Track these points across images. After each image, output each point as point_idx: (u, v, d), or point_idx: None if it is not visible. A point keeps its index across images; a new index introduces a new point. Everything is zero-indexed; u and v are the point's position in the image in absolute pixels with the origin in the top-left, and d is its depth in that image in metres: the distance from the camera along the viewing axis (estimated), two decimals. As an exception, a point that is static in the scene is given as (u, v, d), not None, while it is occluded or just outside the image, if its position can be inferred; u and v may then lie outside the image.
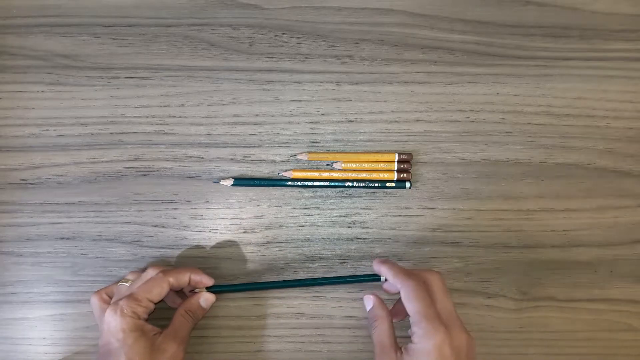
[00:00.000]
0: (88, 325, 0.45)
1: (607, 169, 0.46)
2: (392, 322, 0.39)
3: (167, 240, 0.45)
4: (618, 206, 0.46)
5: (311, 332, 0.45)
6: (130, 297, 0.38)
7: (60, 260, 0.45)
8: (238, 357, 0.45)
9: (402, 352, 0.37)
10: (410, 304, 0.37)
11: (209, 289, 0.42)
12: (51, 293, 0.45)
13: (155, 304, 0.39)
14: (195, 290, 0.42)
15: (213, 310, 0.45)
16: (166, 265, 0.44)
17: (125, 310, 0.37)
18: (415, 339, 0.36)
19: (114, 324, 0.37)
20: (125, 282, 0.41)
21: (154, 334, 0.39)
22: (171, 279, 0.40)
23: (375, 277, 0.42)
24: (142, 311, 0.38)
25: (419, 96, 0.46)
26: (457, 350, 0.35)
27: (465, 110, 0.46)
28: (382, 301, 0.40)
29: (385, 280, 0.41)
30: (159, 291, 0.39)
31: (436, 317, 0.36)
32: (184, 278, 0.41)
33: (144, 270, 0.41)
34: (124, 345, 0.36)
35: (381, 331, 0.38)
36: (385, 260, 0.41)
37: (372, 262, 0.42)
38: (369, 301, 0.41)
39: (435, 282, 0.39)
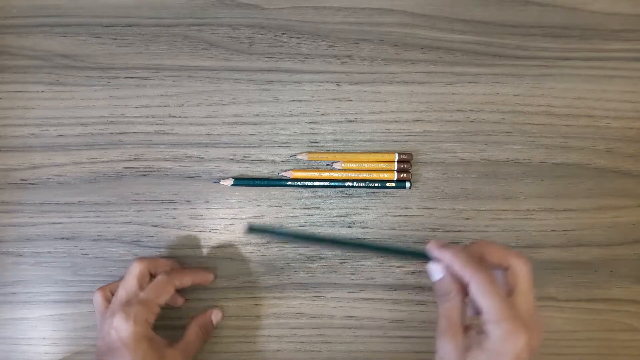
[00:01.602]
0: (88, 325, 0.45)
1: (607, 169, 0.46)
2: (464, 298, 0.34)
3: (167, 240, 0.45)
4: (618, 206, 0.46)
5: (311, 332, 0.45)
6: (143, 303, 0.38)
7: (60, 260, 0.45)
8: (238, 357, 0.45)
9: (470, 338, 0.33)
10: (485, 301, 0.32)
11: (252, 229, 0.41)
12: (51, 293, 0.45)
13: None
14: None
15: (213, 310, 0.45)
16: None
17: (138, 319, 0.37)
18: (492, 336, 0.32)
19: (125, 331, 0.36)
20: None
21: (164, 346, 0.38)
22: (176, 282, 0.40)
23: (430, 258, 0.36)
24: (152, 318, 0.38)
25: (419, 96, 0.46)
26: (534, 352, 0.32)
27: (465, 110, 0.46)
28: (454, 274, 0.35)
29: (441, 278, 0.35)
30: (166, 295, 0.39)
31: (517, 317, 0.32)
32: (187, 280, 0.41)
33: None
34: (134, 355, 0.36)
35: (452, 306, 0.34)
36: (445, 244, 0.36)
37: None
38: (438, 272, 0.35)
39: (522, 271, 0.34)
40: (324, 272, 0.45)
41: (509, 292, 0.34)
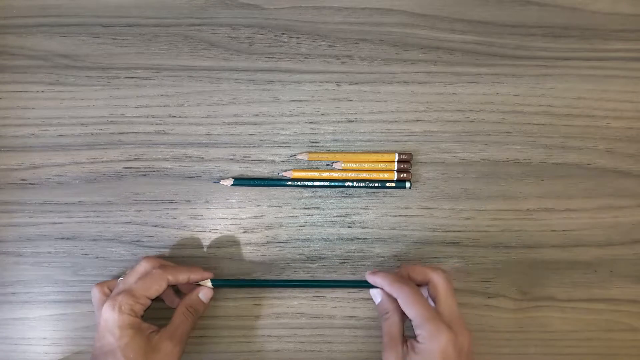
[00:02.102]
0: (88, 325, 0.45)
1: (607, 169, 0.46)
2: (402, 315, 0.40)
3: (167, 240, 0.45)
4: (618, 206, 0.46)
5: (311, 332, 0.45)
6: (128, 293, 0.38)
7: (60, 260, 0.45)
8: (238, 357, 0.45)
9: (408, 346, 0.38)
10: (410, 309, 0.38)
11: (213, 283, 0.42)
12: (51, 293, 0.45)
13: (152, 300, 0.39)
14: (199, 283, 0.42)
15: (213, 310, 0.45)
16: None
17: (122, 307, 0.37)
18: (420, 339, 0.37)
19: (111, 320, 0.37)
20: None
21: (151, 332, 0.39)
22: (170, 277, 0.40)
23: (373, 286, 0.42)
24: (139, 308, 0.38)
25: (419, 96, 0.46)
26: (459, 348, 0.36)
27: (465, 110, 0.46)
28: (389, 294, 0.40)
29: (380, 300, 0.42)
30: (157, 288, 0.39)
31: (438, 318, 0.37)
32: (182, 276, 0.41)
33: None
34: (119, 343, 0.37)
35: (391, 323, 0.39)
36: (377, 271, 0.42)
37: (372, 261, 0.42)
38: (378, 295, 0.41)
39: (439, 281, 0.39)
40: (324, 272, 0.45)
41: (433, 301, 0.39)
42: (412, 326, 0.38)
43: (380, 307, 0.41)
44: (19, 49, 0.46)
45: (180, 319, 0.40)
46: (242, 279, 0.45)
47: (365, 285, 0.42)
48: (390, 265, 0.45)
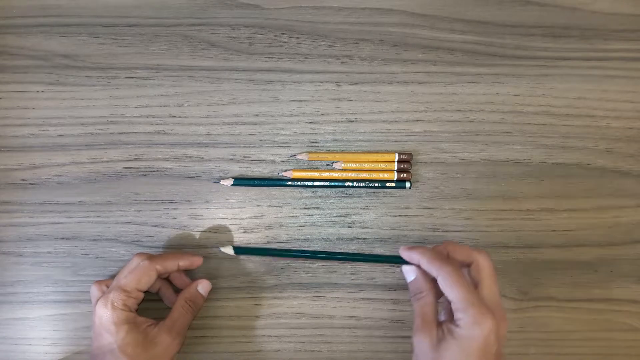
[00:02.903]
0: (88, 325, 0.45)
1: (607, 169, 0.46)
2: (437, 296, 0.37)
3: (167, 240, 0.45)
4: (618, 206, 0.46)
5: (311, 332, 0.45)
6: (119, 289, 0.38)
7: (60, 260, 0.45)
8: (238, 357, 0.45)
9: (444, 330, 0.35)
10: (452, 291, 0.35)
11: (235, 250, 0.43)
12: (51, 293, 0.45)
13: (145, 292, 0.40)
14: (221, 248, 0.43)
15: (213, 310, 0.45)
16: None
17: (115, 303, 0.37)
18: (461, 324, 0.34)
19: (105, 317, 0.37)
20: None
21: (148, 326, 0.39)
22: (158, 266, 0.39)
23: (406, 262, 0.39)
24: (132, 302, 0.38)
25: (419, 96, 0.46)
26: (501, 338, 0.35)
27: (465, 110, 0.46)
28: (425, 273, 0.38)
29: (413, 278, 0.39)
30: (147, 280, 0.39)
31: (482, 304, 0.34)
32: (171, 264, 0.40)
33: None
34: (116, 339, 0.37)
35: (425, 303, 0.37)
36: (413, 246, 0.39)
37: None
38: (411, 272, 0.38)
39: (484, 264, 0.37)
40: (324, 272, 0.45)
41: (475, 285, 0.37)
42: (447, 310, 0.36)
43: (413, 285, 0.38)
44: (19, 49, 0.46)
45: (179, 312, 0.40)
46: (264, 248, 0.45)
47: (397, 261, 0.39)
48: (390, 265, 0.45)
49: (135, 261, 0.40)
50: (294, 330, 0.45)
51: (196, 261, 0.42)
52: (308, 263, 0.45)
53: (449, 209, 0.46)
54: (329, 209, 0.46)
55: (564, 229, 0.46)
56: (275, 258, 0.45)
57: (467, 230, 0.46)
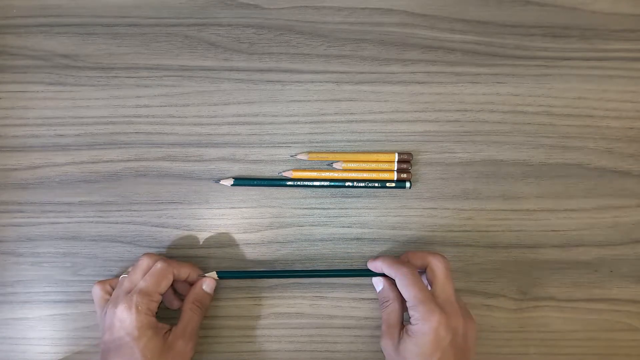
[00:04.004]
0: (88, 325, 0.45)
1: (607, 169, 0.46)
2: (402, 304, 0.41)
3: (167, 240, 0.45)
4: (618, 206, 0.46)
5: (311, 332, 0.45)
6: (142, 292, 0.38)
7: (60, 260, 0.45)
8: (238, 357, 0.45)
9: (402, 332, 0.39)
10: (406, 290, 0.38)
11: (219, 275, 0.43)
12: (51, 293, 0.45)
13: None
14: (206, 275, 0.42)
15: (213, 310, 0.45)
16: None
17: (140, 307, 0.37)
18: (413, 321, 0.38)
19: (129, 321, 0.37)
20: (127, 275, 0.41)
21: (165, 332, 0.39)
22: (175, 271, 0.40)
23: (376, 274, 0.43)
24: (154, 306, 0.38)
25: (419, 96, 0.46)
26: (453, 331, 0.37)
27: (465, 110, 0.46)
28: (391, 283, 0.41)
29: (381, 288, 0.42)
30: (166, 283, 0.39)
31: (431, 300, 0.38)
32: (184, 271, 0.41)
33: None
34: (138, 343, 0.36)
35: (391, 311, 0.41)
36: (378, 256, 0.43)
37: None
38: (379, 283, 0.42)
39: (437, 265, 0.40)
40: (324, 272, 0.45)
41: (430, 285, 0.40)
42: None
43: (381, 295, 0.42)
44: (19, 49, 0.46)
45: (188, 315, 0.40)
46: (247, 270, 0.45)
47: (368, 274, 0.43)
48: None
49: (146, 261, 0.40)
50: (294, 330, 0.45)
51: (208, 282, 0.42)
52: (308, 263, 0.45)
53: (449, 209, 0.46)
54: (329, 209, 0.46)
55: (563, 229, 0.46)
56: (275, 258, 0.45)
57: (467, 230, 0.46)
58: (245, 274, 0.45)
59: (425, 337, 0.37)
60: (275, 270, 0.45)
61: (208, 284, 0.42)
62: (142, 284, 0.39)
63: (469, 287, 0.46)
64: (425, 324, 0.37)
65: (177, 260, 0.42)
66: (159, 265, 0.39)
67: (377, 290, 0.43)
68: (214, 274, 0.42)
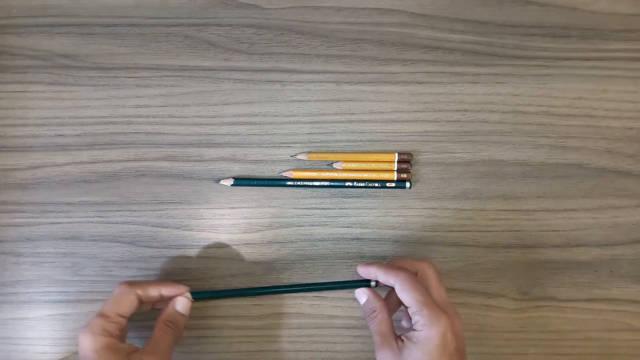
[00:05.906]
0: (88, 325, 0.45)
1: (607, 169, 0.46)
2: (389, 312, 0.40)
3: (167, 240, 0.45)
4: (618, 206, 0.46)
5: (311, 332, 0.45)
6: (99, 315, 0.37)
7: (60, 260, 0.45)
8: (238, 357, 0.45)
9: (402, 340, 0.37)
10: (408, 295, 0.37)
11: (194, 296, 0.41)
12: (51, 293, 0.45)
13: (128, 319, 0.38)
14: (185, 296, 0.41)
15: (213, 310, 0.45)
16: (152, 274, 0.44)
17: (94, 329, 0.36)
18: (418, 327, 0.36)
19: (86, 344, 0.36)
20: None
21: (131, 352, 0.37)
22: (139, 291, 0.38)
23: (365, 283, 0.42)
24: (113, 328, 0.37)
25: (419, 96, 0.46)
26: (457, 335, 0.36)
27: (465, 110, 0.46)
28: (375, 292, 0.41)
29: (376, 284, 0.42)
30: (128, 305, 0.38)
31: (435, 304, 0.37)
32: (152, 290, 0.39)
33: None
34: None
35: (380, 321, 0.39)
36: (369, 262, 0.42)
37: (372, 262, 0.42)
38: (363, 295, 0.41)
39: (427, 270, 0.39)
40: (324, 272, 0.45)
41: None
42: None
43: (366, 306, 0.40)
44: (19, 49, 0.46)
45: (157, 335, 0.39)
46: (222, 290, 0.45)
47: (349, 285, 0.43)
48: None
49: (118, 289, 0.39)
50: (294, 330, 0.45)
51: (181, 290, 0.41)
52: (308, 263, 0.45)
53: (449, 209, 0.46)
54: (329, 209, 0.46)
55: (563, 229, 0.46)
56: (275, 258, 0.45)
57: (467, 230, 0.46)
58: (220, 293, 0.44)
59: (433, 343, 0.35)
60: (252, 287, 0.45)
61: (181, 303, 0.40)
62: (102, 307, 0.38)
63: (469, 287, 0.46)
64: (432, 329, 0.35)
65: (148, 280, 0.41)
66: (119, 287, 0.39)
67: (361, 303, 0.41)
68: (187, 295, 0.41)
